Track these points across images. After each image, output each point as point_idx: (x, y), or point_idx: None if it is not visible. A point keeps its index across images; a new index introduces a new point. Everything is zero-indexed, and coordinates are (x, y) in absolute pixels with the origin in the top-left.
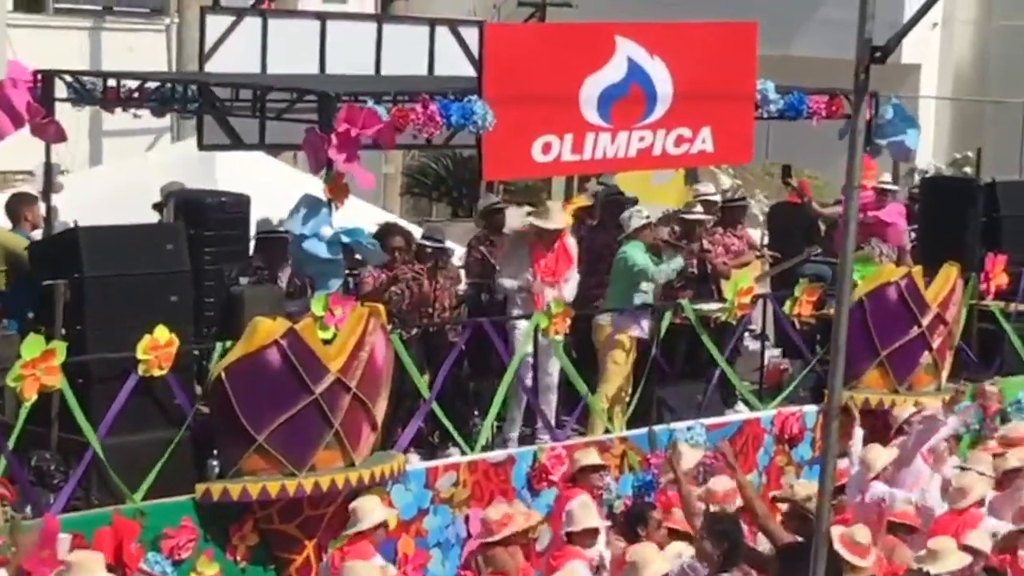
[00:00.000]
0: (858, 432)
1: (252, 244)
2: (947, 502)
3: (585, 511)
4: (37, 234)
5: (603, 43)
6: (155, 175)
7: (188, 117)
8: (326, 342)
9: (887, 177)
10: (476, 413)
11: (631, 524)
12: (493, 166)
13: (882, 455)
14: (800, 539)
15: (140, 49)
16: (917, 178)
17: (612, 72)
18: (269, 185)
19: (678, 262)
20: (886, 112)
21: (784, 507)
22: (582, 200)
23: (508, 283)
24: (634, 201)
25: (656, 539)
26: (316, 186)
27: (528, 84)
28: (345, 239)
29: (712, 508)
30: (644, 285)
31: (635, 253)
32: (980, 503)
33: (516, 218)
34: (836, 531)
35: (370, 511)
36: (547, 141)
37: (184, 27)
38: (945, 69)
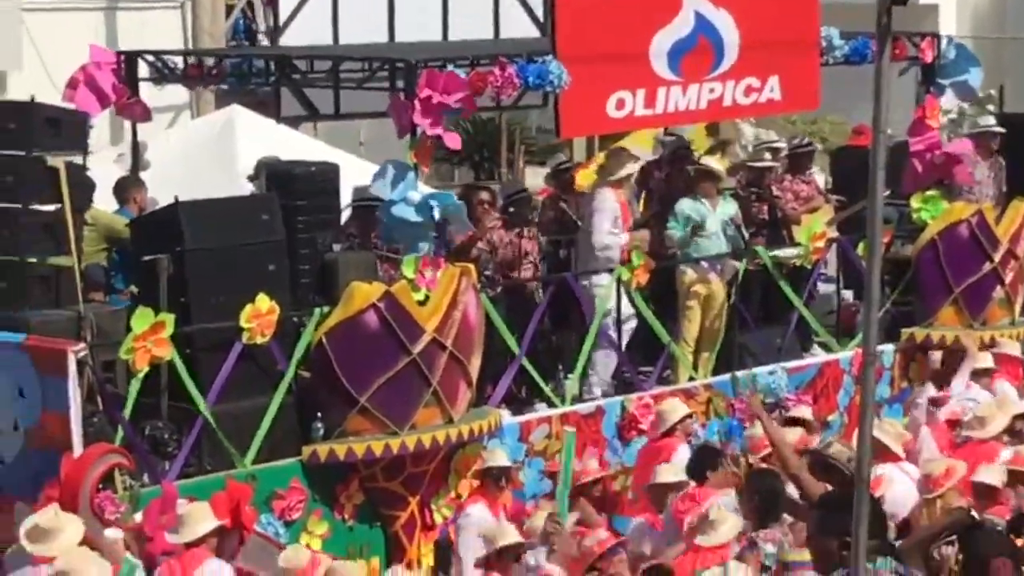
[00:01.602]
0: (966, 367)
1: (347, 212)
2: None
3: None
4: None
5: None
6: (177, 152)
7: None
8: (420, 303)
9: (991, 120)
10: (560, 367)
11: (700, 466)
12: (569, 124)
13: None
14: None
15: (154, 25)
16: (941, 119)
17: (680, 26)
18: (288, 155)
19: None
20: (948, 52)
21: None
22: (600, 159)
23: (619, 240)
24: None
25: (723, 482)
26: (332, 157)
27: (599, 42)
28: (433, 203)
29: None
30: (700, 231)
31: (681, 204)
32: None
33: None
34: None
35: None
36: (620, 97)
37: (198, 3)
38: (963, 8)
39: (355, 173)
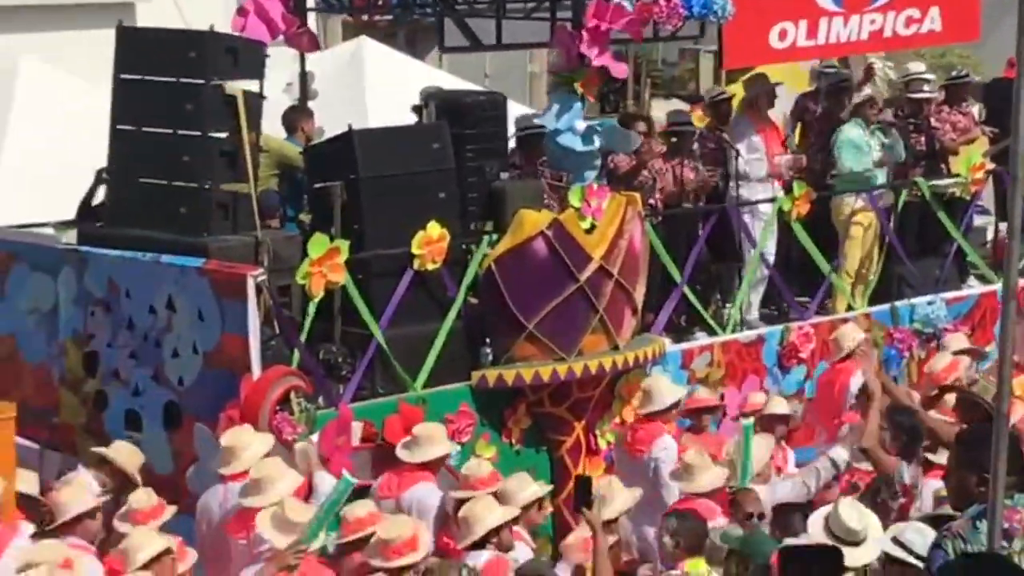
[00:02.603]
0: None
1: (512, 141)
2: None
3: None
4: None
5: None
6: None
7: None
8: (587, 231)
9: None
10: (719, 296)
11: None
12: (733, 54)
13: None
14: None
15: None
16: None
17: None
18: (416, 86)
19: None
20: None
21: (953, 396)
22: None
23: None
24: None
25: None
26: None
27: None
28: (599, 130)
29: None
30: (864, 158)
31: (848, 130)
32: None
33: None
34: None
35: (658, 393)
36: (783, 28)
37: None
38: None
39: None
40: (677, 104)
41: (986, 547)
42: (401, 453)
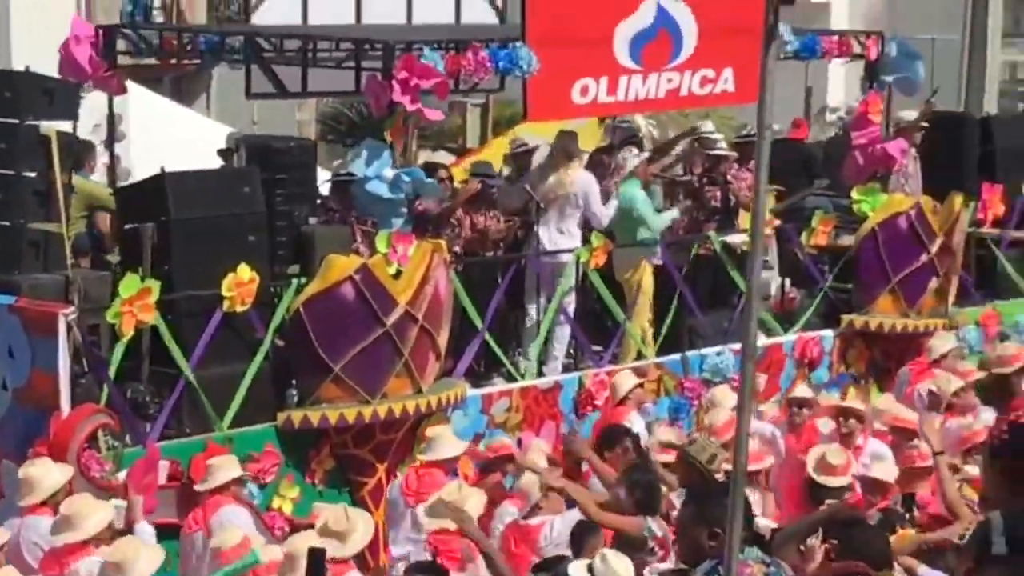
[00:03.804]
0: None
1: (327, 187)
2: None
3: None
4: (95, 178)
5: None
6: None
7: (237, 67)
8: (394, 277)
9: (913, 115)
10: (515, 343)
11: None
12: (537, 108)
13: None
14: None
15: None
16: (830, 116)
17: (642, 17)
18: (179, 132)
19: (673, 214)
20: (891, 49)
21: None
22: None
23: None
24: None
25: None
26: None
27: (567, 30)
28: (406, 178)
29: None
30: (644, 224)
31: (635, 193)
32: None
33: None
34: (811, 456)
35: (444, 444)
36: (585, 84)
37: None
38: (855, 6)
39: None
40: (445, 156)
41: None
42: (198, 487)
